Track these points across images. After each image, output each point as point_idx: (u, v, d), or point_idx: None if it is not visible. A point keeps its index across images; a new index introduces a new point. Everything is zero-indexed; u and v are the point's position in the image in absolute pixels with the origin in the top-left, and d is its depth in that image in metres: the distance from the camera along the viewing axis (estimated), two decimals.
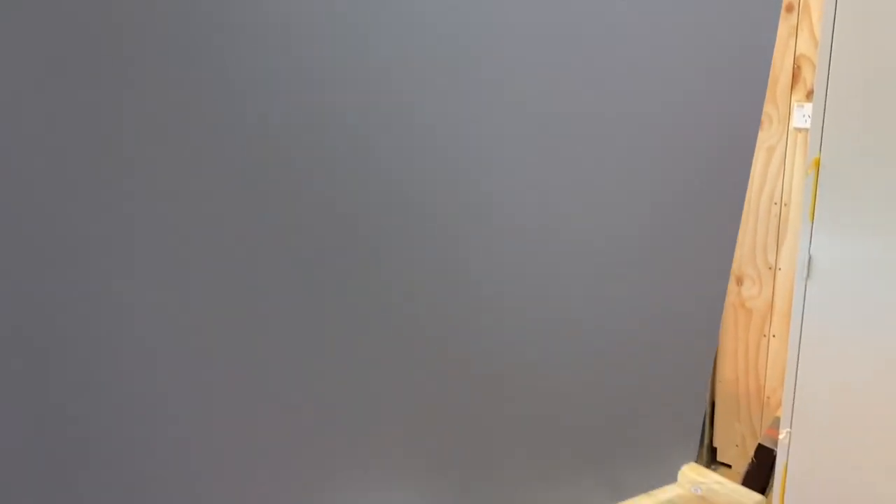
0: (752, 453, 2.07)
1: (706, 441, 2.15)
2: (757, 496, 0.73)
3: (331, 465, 0.55)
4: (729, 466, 2.16)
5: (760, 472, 1.68)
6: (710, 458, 2.19)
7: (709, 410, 2.06)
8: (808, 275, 1.51)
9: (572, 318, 0.62)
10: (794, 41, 1.83)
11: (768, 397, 2.03)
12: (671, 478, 0.74)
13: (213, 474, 0.50)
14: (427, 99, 0.50)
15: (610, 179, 0.59)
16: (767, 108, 1.87)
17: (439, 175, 0.52)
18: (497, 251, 0.56)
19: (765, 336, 2.00)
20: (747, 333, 2.02)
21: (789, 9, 1.82)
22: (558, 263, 0.59)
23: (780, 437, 1.60)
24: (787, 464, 1.61)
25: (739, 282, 2.01)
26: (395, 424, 0.57)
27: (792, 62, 1.83)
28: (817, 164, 1.45)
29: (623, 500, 0.72)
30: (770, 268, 1.94)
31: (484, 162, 0.54)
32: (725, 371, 2.08)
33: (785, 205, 1.87)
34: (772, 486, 1.67)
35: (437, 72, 0.50)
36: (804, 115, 1.78)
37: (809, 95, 1.79)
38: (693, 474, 0.77)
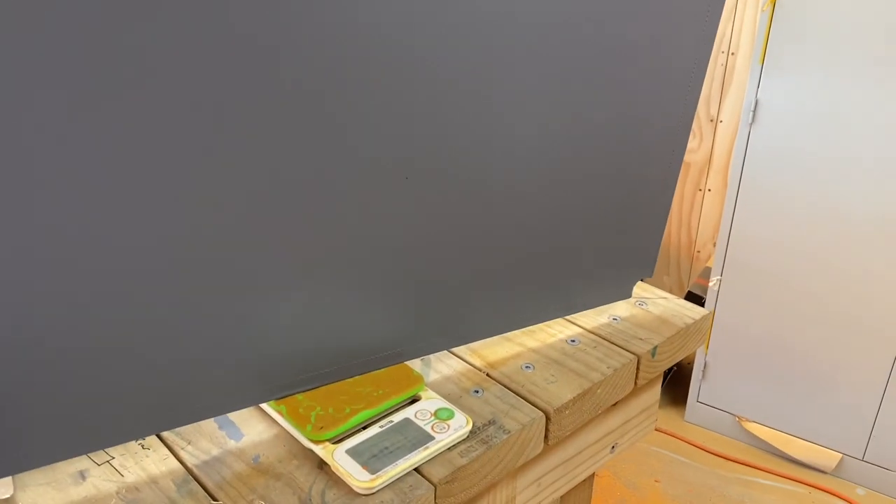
0: None
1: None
2: (702, 310, 0.70)
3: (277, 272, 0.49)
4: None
5: None
6: None
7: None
8: (752, 119, 1.47)
9: (530, 129, 0.55)
10: None
11: (698, 251, 2.05)
12: (626, 294, 0.70)
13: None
14: None
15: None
16: None
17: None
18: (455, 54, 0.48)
19: (700, 190, 1.99)
20: (682, 187, 2.02)
21: None
22: (518, 71, 0.52)
23: (710, 284, 1.62)
24: (714, 311, 1.64)
25: None
26: (352, 242, 0.51)
27: None
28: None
29: (573, 313, 0.69)
30: (711, 120, 1.91)
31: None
32: None
33: (732, 54, 1.81)
34: None
35: None
36: None
37: None
38: (639, 290, 0.74)
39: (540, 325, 0.69)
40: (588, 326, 0.68)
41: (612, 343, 0.66)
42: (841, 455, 1.58)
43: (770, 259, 1.54)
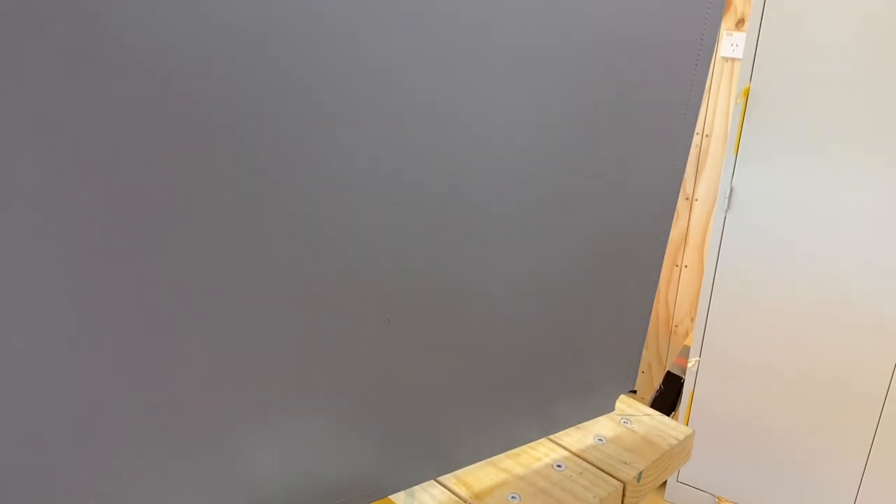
0: (658, 380, 2.12)
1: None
2: (686, 429, 0.71)
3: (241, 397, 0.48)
4: (634, 392, 2.21)
5: (667, 398, 1.72)
6: None
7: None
8: (728, 206, 1.50)
9: (511, 246, 0.56)
10: None
11: (676, 326, 2.06)
12: (609, 408, 0.70)
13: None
14: None
15: (551, 101, 0.53)
16: None
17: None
18: (427, 165, 0.49)
19: (677, 266, 2.02)
20: None
21: None
22: (495, 187, 0.53)
23: (689, 365, 1.63)
24: (693, 391, 1.64)
25: None
26: (320, 364, 0.50)
27: None
28: (747, 92, 1.43)
29: (557, 431, 0.68)
30: (687, 198, 1.94)
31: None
32: None
33: (706, 136, 1.86)
34: (678, 411, 1.71)
35: None
36: (732, 45, 1.75)
37: (739, 24, 1.76)
38: (622, 406, 0.74)
39: (525, 446, 0.68)
40: (574, 448, 0.68)
41: (599, 468, 0.66)
42: None
43: (748, 340, 1.56)
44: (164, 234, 0.40)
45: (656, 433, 0.71)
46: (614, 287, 0.64)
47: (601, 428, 0.71)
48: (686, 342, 1.80)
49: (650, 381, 2.16)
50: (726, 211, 1.51)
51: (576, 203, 0.58)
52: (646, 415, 0.74)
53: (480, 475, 0.64)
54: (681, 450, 0.71)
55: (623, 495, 0.64)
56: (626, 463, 0.66)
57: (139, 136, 0.37)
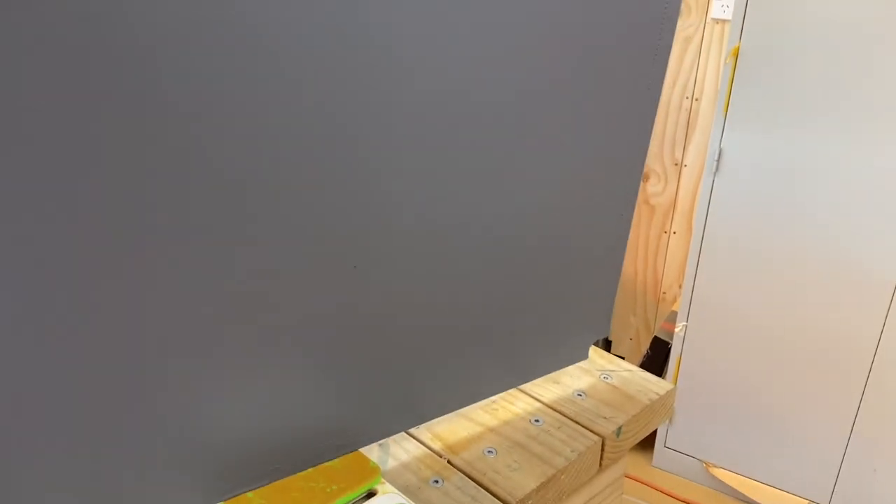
0: (646, 346, 2.11)
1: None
2: (667, 384, 0.69)
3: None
4: (622, 358, 2.21)
5: (654, 364, 1.71)
6: (605, 349, 2.23)
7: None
8: (716, 169, 1.48)
9: (479, 187, 0.54)
10: None
11: (664, 293, 2.05)
12: (582, 356, 0.69)
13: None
14: None
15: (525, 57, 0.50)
16: None
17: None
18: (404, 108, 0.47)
19: (665, 233, 2.00)
20: (648, 230, 2.02)
21: None
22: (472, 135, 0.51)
23: (676, 330, 1.62)
24: (680, 356, 1.64)
25: (645, 178, 1.98)
26: (282, 311, 0.48)
27: None
28: (736, 52, 1.40)
29: (530, 380, 0.67)
30: (676, 164, 1.92)
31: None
32: (625, 266, 2.09)
33: (696, 99, 1.83)
34: (665, 376, 1.70)
35: None
36: (722, 6, 1.72)
37: None
38: (603, 361, 0.72)
39: (503, 402, 0.67)
40: (552, 403, 0.67)
41: (577, 423, 0.64)
42: (807, 502, 1.58)
43: (735, 305, 1.55)
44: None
45: (636, 388, 0.69)
46: (586, 230, 0.62)
47: (580, 383, 0.70)
48: (674, 307, 1.79)
49: (638, 348, 2.15)
50: (714, 174, 1.49)
51: (546, 141, 0.56)
52: (626, 370, 0.72)
53: (456, 429, 0.63)
54: (661, 405, 0.69)
55: (602, 450, 0.63)
56: (605, 417, 0.65)
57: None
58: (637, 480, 1.72)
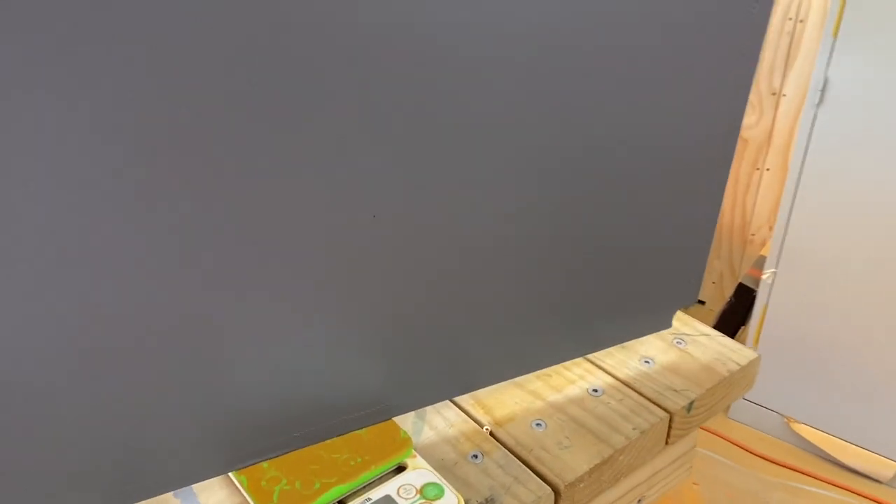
0: (729, 292, 1.99)
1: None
2: (750, 352, 0.60)
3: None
4: (703, 303, 2.09)
5: (737, 312, 1.60)
6: None
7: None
8: (820, 100, 1.33)
9: (549, 128, 0.45)
10: None
11: (752, 235, 1.91)
12: (665, 324, 0.60)
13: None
14: None
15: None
16: None
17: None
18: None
19: (758, 169, 1.85)
20: (739, 166, 1.87)
21: None
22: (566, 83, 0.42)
23: (764, 277, 1.50)
24: (766, 305, 1.52)
25: None
26: (329, 280, 0.42)
27: None
28: None
29: (600, 349, 0.59)
30: (774, 93, 1.75)
31: None
32: None
33: (800, 21, 1.65)
34: (748, 326, 1.59)
35: None
36: None
37: None
38: (677, 323, 0.64)
39: (558, 366, 0.59)
40: (615, 371, 0.59)
41: (642, 395, 0.56)
42: None
43: (831, 252, 1.41)
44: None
45: (714, 356, 0.61)
46: (677, 184, 0.53)
47: (649, 348, 0.62)
48: (762, 251, 1.66)
49: (721, 293, 2.03)
50: (817, 106, 1.34)
51: (631, 84, 0.47)
52: (703, 334, 0.63)
53: (503, 397, 0.56)
54: (742, 377, 0.60)
55: (669, 427, 0.55)
56: (675, 391, 0.57)
57: None
58: (712, 433, 1.63)
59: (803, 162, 1.39)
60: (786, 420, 1.59)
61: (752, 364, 0.61)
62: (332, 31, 0.36)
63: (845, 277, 1.41)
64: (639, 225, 0.54)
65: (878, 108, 1.27)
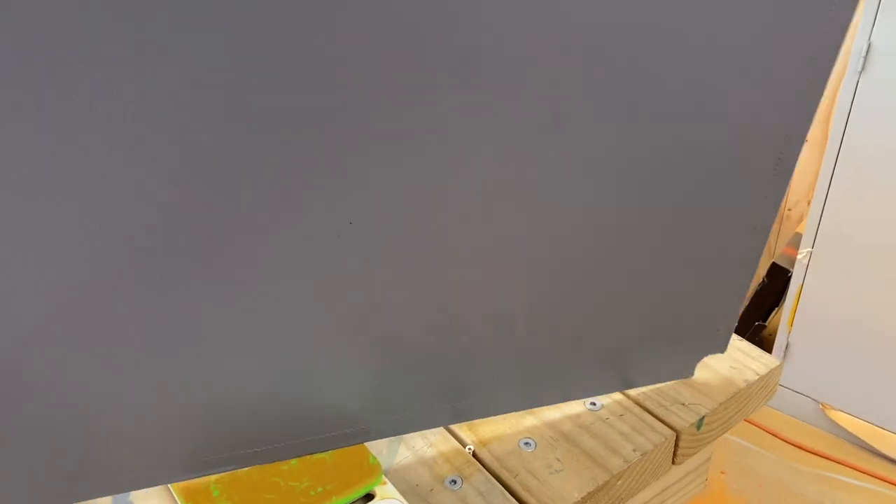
0: (763, 270, 1.90)
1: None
2: (772, 360, 0.54)
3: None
4: None
5: (771, 293, 1.51)
6: None
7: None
8: (862, 67, 1.23)
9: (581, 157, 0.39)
10: None
11: (789, 210, 1.81)
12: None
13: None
14: None
15: None
16: None
17: None
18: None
19: None
20: None
21: None
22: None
23: (799, 256, 1.41)
24: (802, 285, 1.44)
25: None
26: (314, 285, 0.37)
27: None
28: None
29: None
30: None
31: None
32: None
33: None
34: (782, 308, 1.51)
35: None
36: None
37: None
38: None
39: None
40: None
41: (645, 409, 0.51)
42: None
43: (871, 230, 1.32)
44: None
45: (730, 364, 0.55)
46: (715, 236, 0.46)
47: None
48: (798, 229, 1.57)
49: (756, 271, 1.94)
50: (860, 73, 1.24)
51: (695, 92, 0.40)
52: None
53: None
54: (761, 387, 0.54)
55: (676, 447, 0.49)
56: (684, 405, 0.51)
57: None
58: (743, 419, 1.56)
59: (843, 134, 1.29)
60: (821, 406, 1.51)
61: (774, 373, 0.54)
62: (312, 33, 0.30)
63: (885, 257, 1.32)
64: (676, 259, 0.46)
65: None
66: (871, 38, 1.20)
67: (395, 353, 0.44)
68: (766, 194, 0.46)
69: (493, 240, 0.41)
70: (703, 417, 0.50)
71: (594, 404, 0.51)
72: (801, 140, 0.44)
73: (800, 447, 1.50)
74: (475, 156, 0.38)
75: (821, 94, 0.42)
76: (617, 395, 0.52)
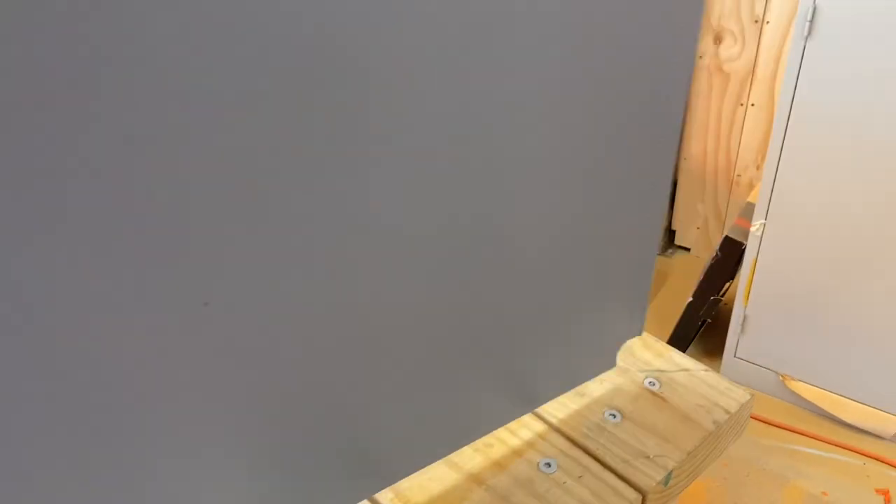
0: (715, 238, 1.87)
1: (663, 223, 1.93)
2: (743, 393, 0.48)
3: None
4: (688, 250, 1.97)
5: (726, 267, 1.48)
6: (668, 242, 1.99)
7: (670, 190, 1.82)
8: (808, 32, 1.18)
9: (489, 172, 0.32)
10: None
11: (738, 176, 1.78)
12: (609, 363, 0.48)
13: None
14: None
15: None
16: None
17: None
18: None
19: (742, 105, 1.70)
20: (721, 102, 1.73)
21: None
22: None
23: (752, 228, 1.37)
24: (756, 258, 1.40)
25: (718, 40, 1.67)
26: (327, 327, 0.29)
27: None
28: None
29: (541, 404, 0.47)
30: (756, 21, 1.60)
31: None
32: (692, 146, 1.81)
33: None
34: (737, 279, 1.47)
35: None
36: None
37: None
38: (649, 355, 0.51)
39: (502, 429, 0.47)
40: (572, 432, 0.46)
41: (606, 467, 0.44)
42: None
43: (824, 198, 1.28)
44: None
45: (697, 402, 0.48)
46: (613, 209, 0.39)
47: (615, 395, 0.49)
48: (750, 198, 1.53)
49: (706, 238, 1.91)
50: (806, 38, 1.19)
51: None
52: (682, 370, 0.51)
53: (428, 483, 0.44)
54: (732, 426, 0.48)
55: None
56: (648, 458, 0.45)
57: None
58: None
59: (794, 95, 1.24)
60: (781, 378, 1.48)
61: (744, 409, 0.48)
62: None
63: (840, 225, 1.28)
64: (572, 261, 0.40)
65: (876, 41, 1.13)
66: (817, 1, 1.15)
67: (301, 438, 0.36)
68: (656, 153, 0.40)
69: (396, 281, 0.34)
70: (670, 472, 0.44)
71: (549, 465, 0.44)
72: (684, 86, 0.38)
73: (762, 420, 1.47)
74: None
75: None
76: (574, 451, 0.45)
